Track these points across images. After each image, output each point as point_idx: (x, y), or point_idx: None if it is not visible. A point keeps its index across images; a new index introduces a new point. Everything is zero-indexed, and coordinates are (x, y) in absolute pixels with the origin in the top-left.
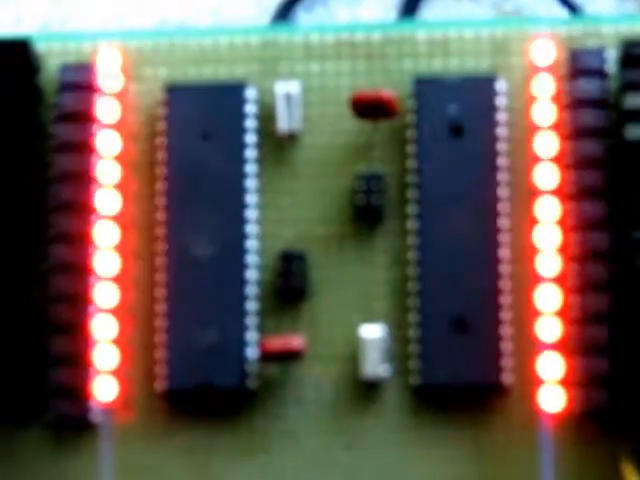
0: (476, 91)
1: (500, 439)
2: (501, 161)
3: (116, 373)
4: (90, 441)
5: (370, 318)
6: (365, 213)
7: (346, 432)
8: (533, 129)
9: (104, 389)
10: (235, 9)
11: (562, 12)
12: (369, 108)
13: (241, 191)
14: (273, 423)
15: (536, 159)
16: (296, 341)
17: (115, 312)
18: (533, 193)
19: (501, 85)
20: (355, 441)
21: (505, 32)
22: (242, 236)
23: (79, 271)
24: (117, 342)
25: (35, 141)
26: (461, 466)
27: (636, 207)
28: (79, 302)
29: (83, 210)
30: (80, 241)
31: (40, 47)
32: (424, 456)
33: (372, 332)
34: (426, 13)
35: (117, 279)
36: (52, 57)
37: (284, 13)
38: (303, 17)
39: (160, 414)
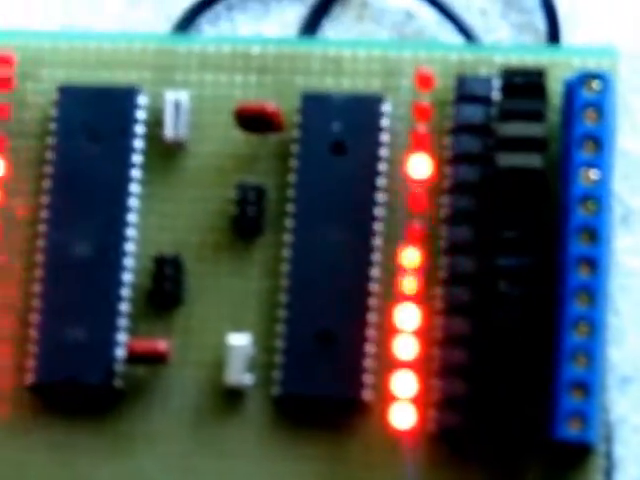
0: (361, 110)
1: (357, 453)
2: (380, 182)
3: None
4: None
5: (239, 327)
6: (240, 223)
7: (207, 439)
8: (412, 151)
9: None
10: (139, 17)
11: (459, 39)
12: (253, 120)
13: (124, 195)
14: (138, 425)
15: (412, 181)
16: (161, 344)
17: None
18: (406, 215)
19: (387, 106)
20: (215, 448)
21: (397, 54)
22: (120, 239)
23: None
24: None
25: None
26: (319, 477)
27: (501, 234)
28: None
29: None
30: None
31: None
32: (283, 465)
33: (238, 340)
34: (328, 32)
35: None
36: None
37: (186, 24)
38: (207, 30)
39: (28, 408)
